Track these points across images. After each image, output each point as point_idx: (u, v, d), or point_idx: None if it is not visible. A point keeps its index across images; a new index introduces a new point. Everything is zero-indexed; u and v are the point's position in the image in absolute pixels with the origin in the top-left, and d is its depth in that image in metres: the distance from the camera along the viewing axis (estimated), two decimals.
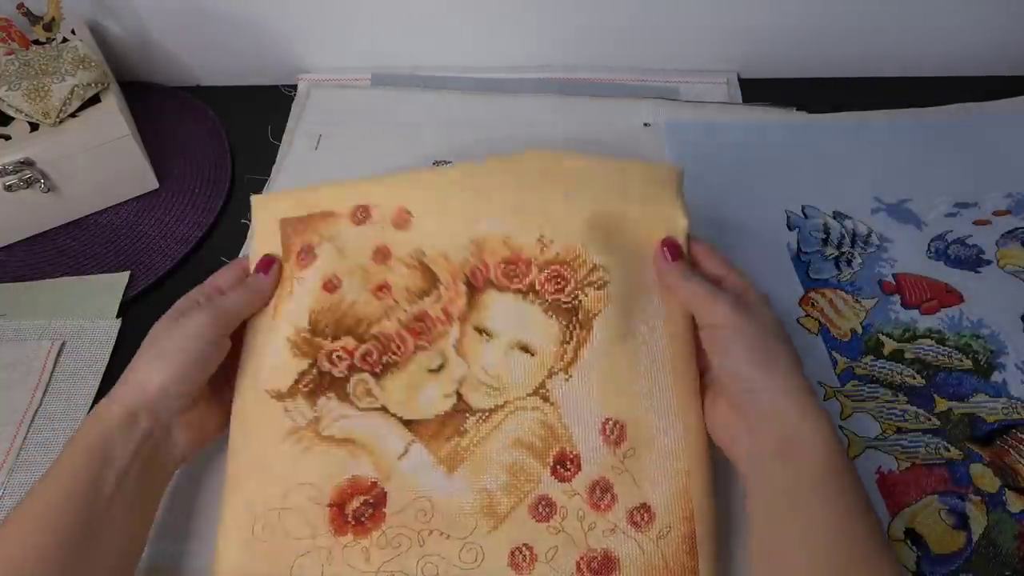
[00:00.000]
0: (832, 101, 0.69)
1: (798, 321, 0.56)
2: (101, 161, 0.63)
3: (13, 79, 0.61)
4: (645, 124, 0.69)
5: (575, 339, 0.45)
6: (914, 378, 0.52)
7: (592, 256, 0.46)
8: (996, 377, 0.52)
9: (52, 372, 0.56)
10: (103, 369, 0.56)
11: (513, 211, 0.47)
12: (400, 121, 0.71)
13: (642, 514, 0.42)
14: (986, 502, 0.46)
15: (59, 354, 0.57)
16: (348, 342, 0.46)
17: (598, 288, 0.45)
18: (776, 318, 0.42)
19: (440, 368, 0.46)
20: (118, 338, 0.58)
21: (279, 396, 0.46)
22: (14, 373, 0.56)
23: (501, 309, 0.46)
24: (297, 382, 0.46)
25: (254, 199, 0.51)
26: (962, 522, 0.46)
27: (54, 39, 0.67)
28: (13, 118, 0.62)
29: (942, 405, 0.51)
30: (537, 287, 0.46)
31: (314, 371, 0.46)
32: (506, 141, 0.69)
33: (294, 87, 0.76)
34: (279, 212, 0.50)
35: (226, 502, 0.44)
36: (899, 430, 0.50)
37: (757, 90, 0.72)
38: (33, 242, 0.65)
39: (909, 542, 0.45)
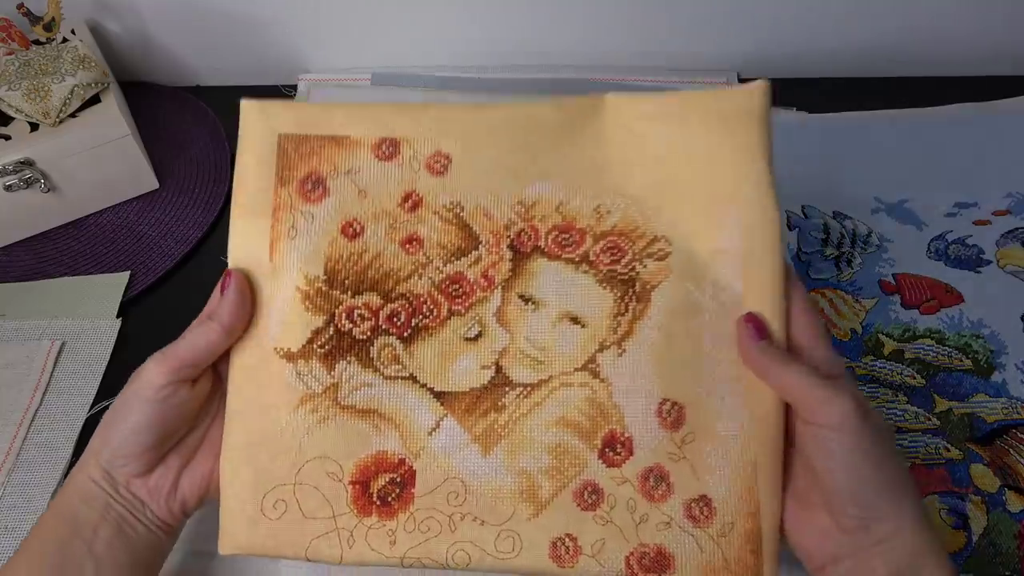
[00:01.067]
0: (832, 101, 0.69)
1: None
2: (101, 161, 0.64)
3: (13, 79, 0.61)
4: None
5: (631, 312, 0.40)
6: (914, 378, 0.52)
7: (654, 227, 0.41)
8: (996, 377, 0.52)
9: (52, 372, 0.56)
10: (103, 369, 0.56)
11: (570, 174, 0.42)
12: None
13: (701, 507, 0.38)
14: (986, 502, 0.47)
15: (59, 354, 0.57)
16: (372, 299, 0.41)
17: (658, 259, 0.41)
18: (887, 425, 0.37)
19: (478, 337, 0.41)
20: (118, 338, 0.58)
21: (289, 356, 0.41)
22: (14, 373, 0.56)
23: (550, 278, 0.41)
24: (311, 341, 0.41)
25: (244, 103, 0.43)
26: (962, 522, 0.46)
27: (54, 39, 0.67)
28: (13, 118, 0.62)
29: (942, 405, 0.51)
30: (592, 257, 0.41)
31: (331, 330, 0.41)
32: None
33: (294, 87, 0.76)
34: (278, 125, 0.43)
35: (229, 473, 0.40)
36: (899, 430, 0.50)
37: None
38: (33, 242, 0.65)
39: None
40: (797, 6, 0.69)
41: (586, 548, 0.38)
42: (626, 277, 0.41)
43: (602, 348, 0.40)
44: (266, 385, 0.41)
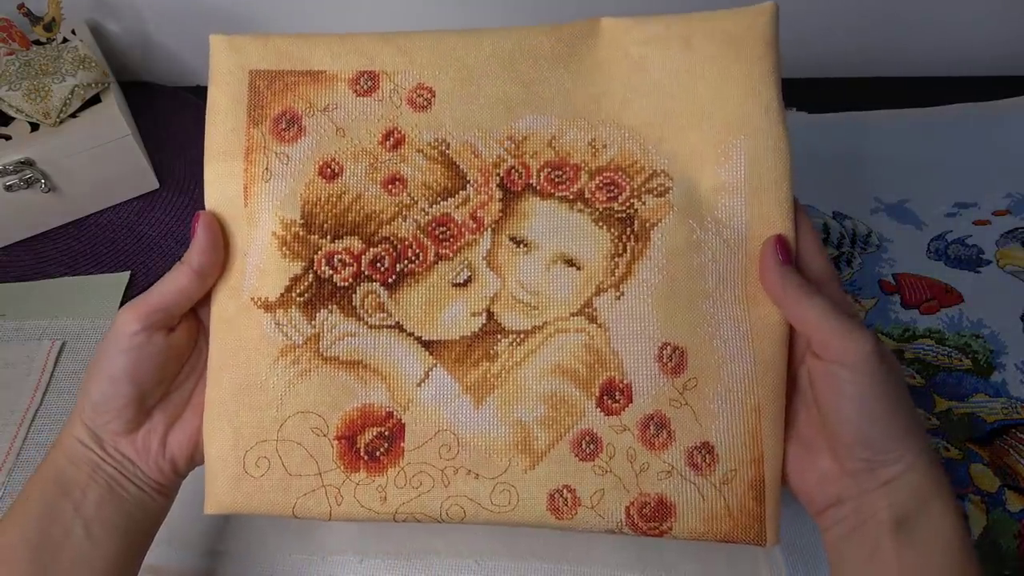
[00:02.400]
0: (832, 101, 0.69)
1: None
2: (101, 161, 0.64)
3: (13, 79, 0.61)
4: None
5: (629, 252, 0.38)
6: (914, 378, 0.52)
7: (654, 160, 0.39)
8: (996, 377, 0.52)
9: (52, 372, 0.56)
10: None
11: (564, 106, 0.40)
12: None
13: (703, 455, 0.37)
14: (986, 502, 0.46)
15: (59, 354, 0.57)
16: (353, 243, 0.39)
17: (658, 195, 0.38)
18: (900, 368, 0.36)
19: (467, 282, 0.39)
20: None
21: (267, 306, 0.38)
22: (14, 373, 0.56)
23: (543, 218, 0.39)
24: (289, 290, 0.39)
25: (213, 39, 0.41)
26: None
27: (54, 39, 0.67)
28: (13, 118, 0.62)
29: (942, 405, 0.51)
30: (587, 195, 0.39)
31: (310, 276, 0.39)
32: None
33: None
34: (249, 60, 0.40)
35: (210, 431, 0.38)
36: None
37: None
38: (33, 242, 0.65)
39: None
40: (796, 6, 0.69)
41: (585, 499, 0.37)
42: (623, 215, 0.39)
43: (599, 291, 0.38)
44: (245, 337, 0.39)
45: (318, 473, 0.37)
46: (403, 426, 0.38)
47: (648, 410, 0.37)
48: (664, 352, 0.37)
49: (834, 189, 0.63)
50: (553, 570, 0.45)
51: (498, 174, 0.40)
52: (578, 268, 0.39)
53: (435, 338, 0.39)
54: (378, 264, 0.39)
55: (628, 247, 0.38)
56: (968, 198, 0.62)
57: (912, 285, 0.57)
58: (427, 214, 0.39)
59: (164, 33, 0.74)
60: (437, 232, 0.39)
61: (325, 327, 0.38)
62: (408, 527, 0.46)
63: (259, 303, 0.39)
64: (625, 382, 0.38)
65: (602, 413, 0.37)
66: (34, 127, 0.62)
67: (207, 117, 0.40)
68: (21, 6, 0.66)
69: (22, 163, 0.60)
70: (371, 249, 0.39)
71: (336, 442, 0.38)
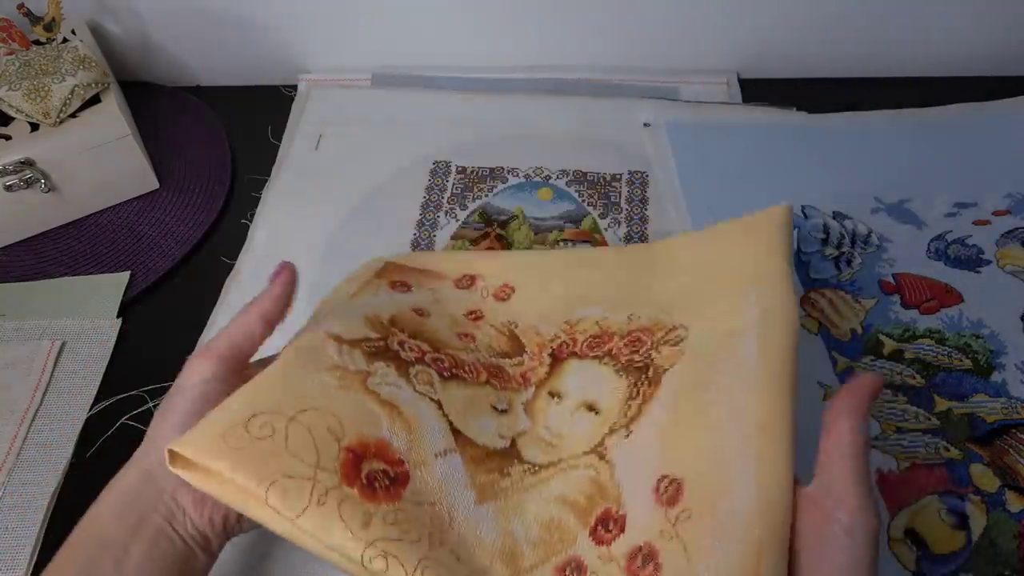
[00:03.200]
0: (832, 101, 0.69)
1: None
2: (101, 161, 0.64)
3: (13, 79, 0.61)
4: (645, 124, 0.69)
5: (641, 395, 0.41)
6: (914, 378, 0.52)
7: (675, 319, 0.44)
8: (995, 377, 0.52)
9: (52, 372, 0.56)
10: (103, 369, 0.56)
11: (614, 303, 0.47)
12: (400, 121, 0.71)
13: None
14: (986, 502, 0.46)
15: (59, 354, 0.57)
16: (423, 345, 0.45)
17: (673, 344, 0.42)
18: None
19: (503, 412, 0.44)
20: (118, 338, 0.58)
21: (337, 339, 0.41)
22: (14, 373, 0.56)
23: (577, 374, 0.45)
24: (361, 342, 0.42)
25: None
26: (962, 522, 0.46)
27: (54, 39, 0.67)
28: (13, 118, 0.62)
29: (942, 405, 0.51)
30: (614, 351, 0.44)
31: (382, 343, 0.43)
32: (506, 141, 0.69)
33: (294, 87, 0.76)
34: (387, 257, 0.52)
35: (228, 399, 0.37)
36: (899, 430, 0.50)
37: (757, 90, 0.72)
38: (33, 242, 0.65)
39: (909, 542, 0.45)
40: (797, 6, 0.69)
41: None
42: (641, 364, 0.43)
43: (611, 431, 0.41)
44: (306, 346, 0.41)
45: (315, 465, 0.35)
46: (408, 478, 0.38)
47: (638, 540, 0.36)
48: (662, 484, 0.36)
49: (834, 189, 0.63)
50: None
51: (551, 347, 0.47)
52: (597, 412, 0.43)
53: (463, 431, 0.42)
54: (439, 362, 0.44)
55: (641, 391, 0.42)
56: (968, 198, 0.62)
57: (912, 285, 0.57)
58: (486, 360, 0.46)
59: (164, 33, 0.74)
60: (492, 371, 0.46)
61: (379, 372, 0.41)
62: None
63: (332, 336, 0.42)
64: (620, 513, 0.37)
65: (593, 543, 0.37)
66: (34, 127, 0.62)
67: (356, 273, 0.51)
68: (21, 6, 0.66)
69: (22, 163, 0.60)
70: (436, 353, 0.45)
71: (344, 451, 0.37)
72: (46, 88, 0.61)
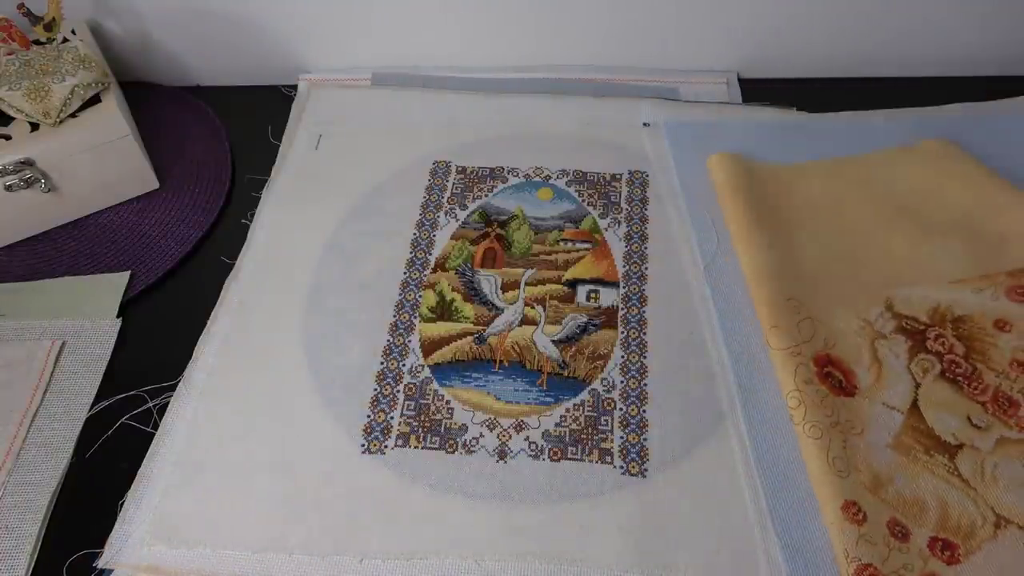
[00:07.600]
0: (832, 101, 0.69)
1: None
2: (101, 161, 0.64)
3: (13, 79, 0.61)
4: (645, 124, 0.69)
5: None
6: None
7: None
8: None
9: (52, 372, 0.56)
10: (103, 369, 0.56)
11: None
12: (400, 121, 0.71)
13: None
14: None
15: (59, 354, 0.57)
16: (958, 346, 0.48)
17: None
18: None
19: (977, 428, 0.46)
20: (118, 338, 0.58)
21: (888, 303, 0.50)
22: (15, 372, 0.56)
23: None
24: (907, 317, 0.50)
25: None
26: None
27: (54, 39, 0.67)
28: (13, 118, 0.62)
29: None
30: None
31: (921, 328, 0.49)
32: (506, 141, 0.69)
33: (294, 87, 0.76)
34: None
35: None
36: None
37: (757, 90, 0.72)
38: (33, 242, 0.65)
39: None
40: (796, 6, 0.69)
41: None
42: None
43: None
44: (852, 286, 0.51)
45: (800, 343, 0.48)
46: (853, 394, 0.47)
47: None
48: None
49: None
50: (553, 570, 0.45)
51: None
52: None
53: (923, 412, 0.46)
54: (955, 366, 0.48)
55: None
56: None
57: None
58: (1008, 393, 0.47)
59: (164, 33, 0.74)
60: (1000, 401, 0.47)
61: (892, 340, 0.49)
62: (410, 527, 0.46)
63: (886, 299, 0.51)
64: None
65: None
66: (34, 127, 0.62)
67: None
68: (21, 6, 0.66)
69: (22, 163, 0.60)
70: (962, 359, 0.48)
71: (822, 356, 0.48)
72: (46, 88, 0.61)
